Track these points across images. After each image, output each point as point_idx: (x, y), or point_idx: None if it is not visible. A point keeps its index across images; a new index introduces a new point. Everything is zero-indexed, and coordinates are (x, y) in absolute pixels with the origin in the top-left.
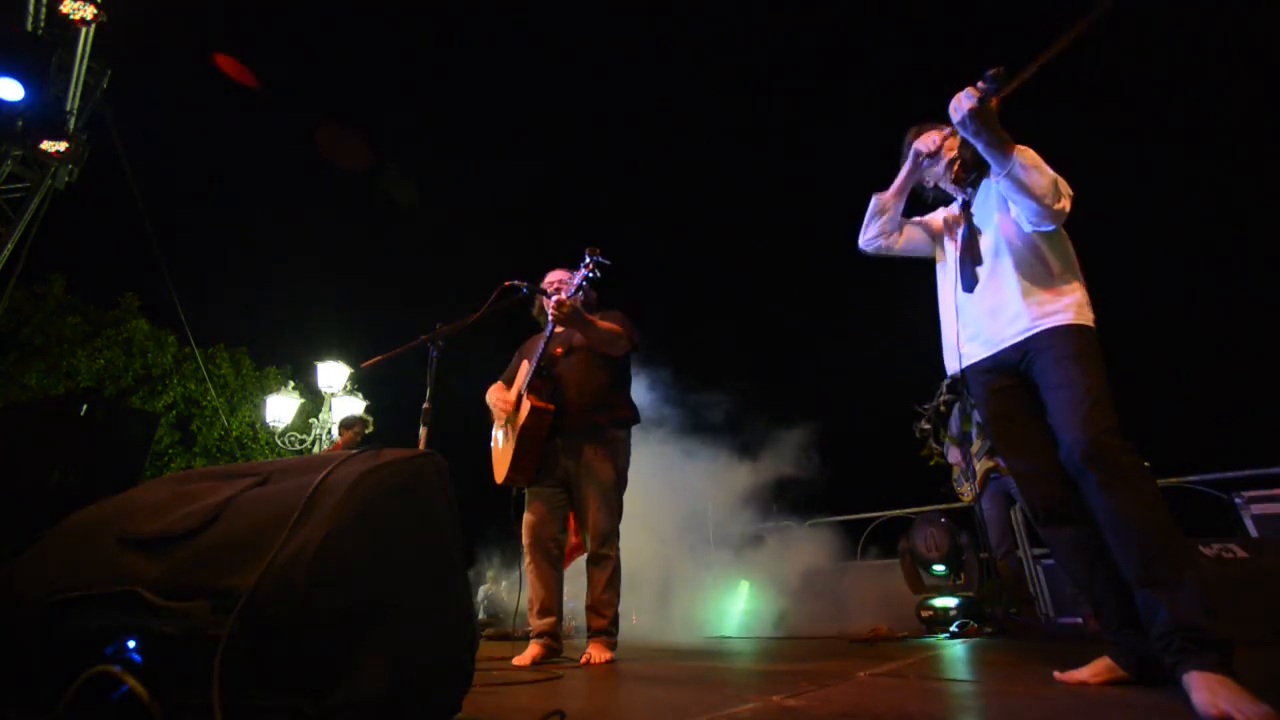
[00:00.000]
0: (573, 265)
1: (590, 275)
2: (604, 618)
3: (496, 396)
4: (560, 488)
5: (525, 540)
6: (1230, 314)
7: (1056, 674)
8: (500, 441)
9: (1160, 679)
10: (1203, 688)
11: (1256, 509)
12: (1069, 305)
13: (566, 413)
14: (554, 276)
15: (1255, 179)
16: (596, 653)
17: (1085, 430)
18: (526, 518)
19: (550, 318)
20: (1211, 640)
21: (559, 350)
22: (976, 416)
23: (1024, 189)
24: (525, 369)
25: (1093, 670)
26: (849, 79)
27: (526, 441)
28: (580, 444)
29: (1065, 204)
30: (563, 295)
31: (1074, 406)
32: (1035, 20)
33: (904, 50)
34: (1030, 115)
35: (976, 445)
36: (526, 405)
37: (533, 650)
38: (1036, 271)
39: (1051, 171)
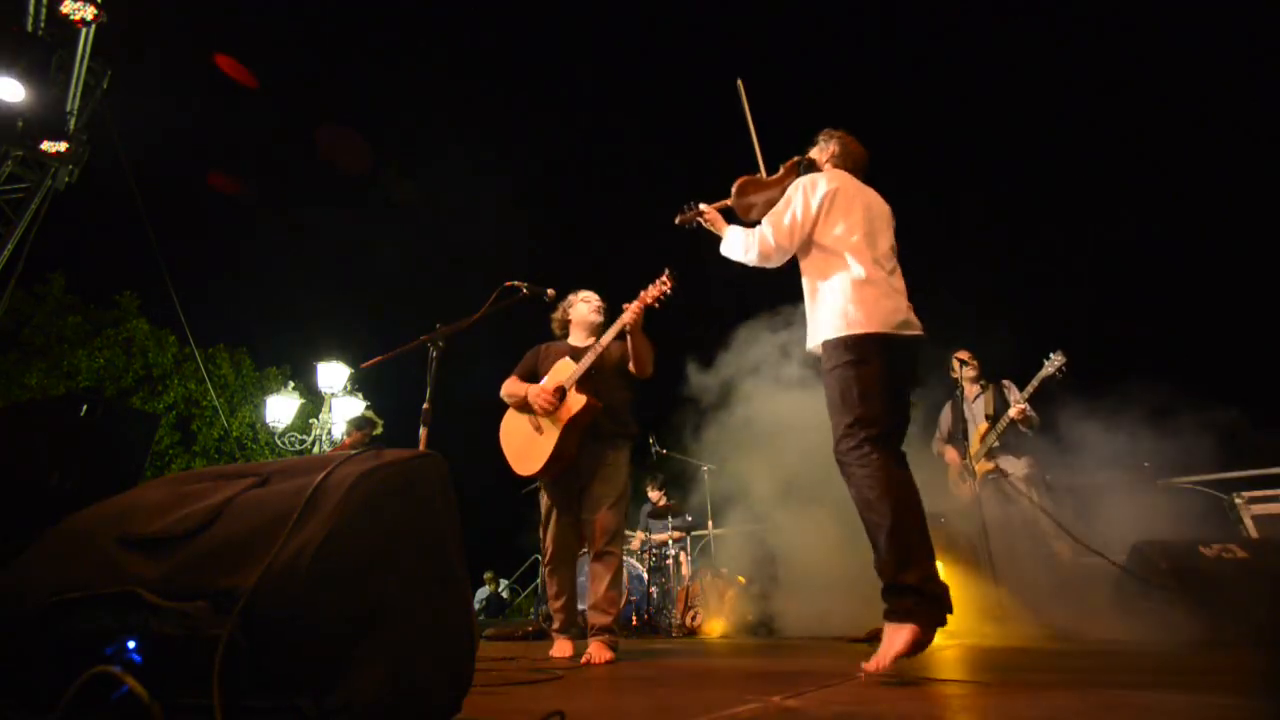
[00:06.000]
0: (588, 283)
1: (668, 294)
2: (607, 615)
3: (532, 390)
4: (576, 489)
5: (548, 543)
6: (1230, 314)
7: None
8: (526, 434)
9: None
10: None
11: (1256, 509)
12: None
13: (595, 421)
14: (594, 297)
15: (1256, 177)
16: (597, 652)
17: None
18: (551, 524)
19: (634, 312)
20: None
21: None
22: (967, 414)
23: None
24: (569, 367)
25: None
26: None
27: (572, 433)
28: (602, 448)
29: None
30: (637, 305)
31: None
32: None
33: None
34: (1032, 112)
35: (975, 446)
36: (581, 399)
37: (566, 646)
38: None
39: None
